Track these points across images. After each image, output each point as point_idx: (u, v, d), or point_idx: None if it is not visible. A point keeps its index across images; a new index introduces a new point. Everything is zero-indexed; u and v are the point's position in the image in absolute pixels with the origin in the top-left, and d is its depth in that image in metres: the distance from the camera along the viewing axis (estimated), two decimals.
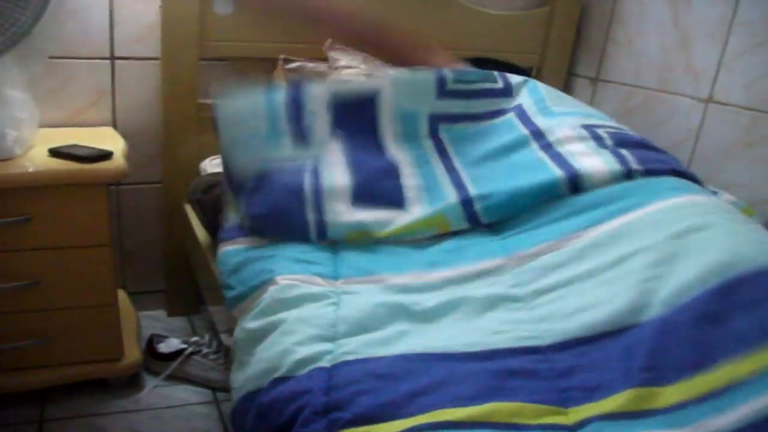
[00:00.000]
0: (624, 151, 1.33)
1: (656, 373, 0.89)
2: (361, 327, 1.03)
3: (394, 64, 1.70)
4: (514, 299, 1.09)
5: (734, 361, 0.87)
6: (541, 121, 1.43)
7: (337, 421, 0.86)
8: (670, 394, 0.87)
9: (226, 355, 1.77)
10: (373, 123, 1.45)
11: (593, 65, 2.20)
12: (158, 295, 2.16)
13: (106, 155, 1.57)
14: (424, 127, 1.46)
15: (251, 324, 1.09)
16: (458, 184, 1.34)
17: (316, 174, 1.33)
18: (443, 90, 1.48)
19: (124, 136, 1.83)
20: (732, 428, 0.80)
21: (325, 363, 0.95)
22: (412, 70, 1.52)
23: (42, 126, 1.70)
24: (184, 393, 1.78)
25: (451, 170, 1.38)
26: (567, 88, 2.27)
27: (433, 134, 1.46)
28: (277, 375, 0.96)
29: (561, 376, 0.94)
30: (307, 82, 1.46)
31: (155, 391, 1.78)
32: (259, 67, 1.98)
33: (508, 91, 1.52)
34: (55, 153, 1.56)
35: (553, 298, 1.08)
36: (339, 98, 1.44)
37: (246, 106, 1.40)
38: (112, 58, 1.89)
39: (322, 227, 1.26)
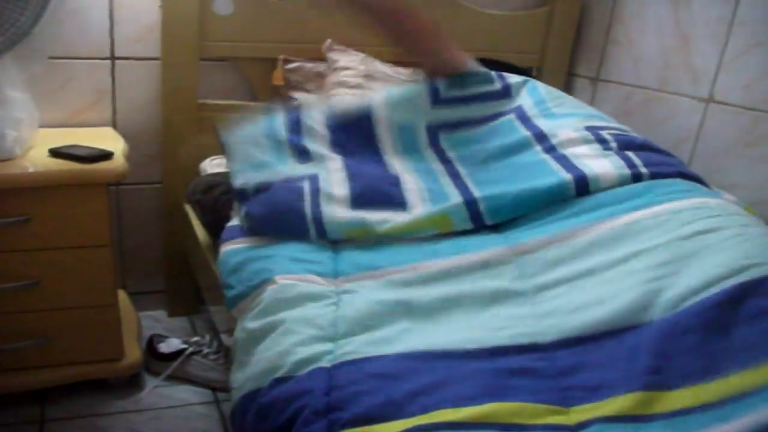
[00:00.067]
0: (630, 154, 1.33)
1: (660, 377, 0.88)
2: (362, 326, 1.03)
3: (408, 50, 1.65)
4: (517, 294, 1.09)
5: (740, 372, 0.87)
6: (542, 123, 1.43)
7: (337, 421, 0.86)
8: (674, 399, 0.86)
9: (227, 355, 1.77)
10: (371, 139, 1.45)
11: (593, 65, 2.20)
12: (158, 296, 2.16)
13: (106, 155, 1.57)
14: (423, 138, 1.46)
15: (251, 324, 1.09)
16: (462, 187, 1.33)
17: (315, 180, 1.33)
18: (437, 99, 1.48)
19: (124, 136, 1.83)
20: None
21: (325, 363, 0.95)
22: (408, 80, 1.51)
23: (42, 126, 1.70)
24: (185, 393, 1.78)
25: (455, 175, 1.38)
26: (567, 88, 2.27)
27: (434, 143, 1.45)
28: (277, 375, 0.96)
29: (562, 374, 0.93)
30: (304, 108, 1.48)
31: (156, 391, 1.78)
32: (258, 67, 1.99)
33: (506, 93, 1.51)
34: (55, 153, 1.56)
35: (557, 294, 1.07)
36: (336, 118, 1.45)
37: (251, 130, 1.44)
38: (112, 58, 1.89)
39: (320, 225, 1.25)
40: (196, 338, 1.88)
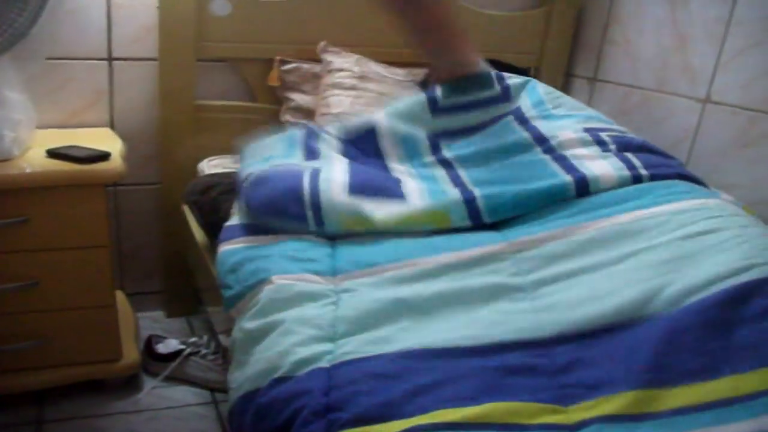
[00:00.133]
0: (629, 155, 1.33)
1: (659, 375, 0.88)
2: (361, 325, 1.02)
3: (428, 46, 1.59)
4: (515, 289, 1.09)
5: (742, 373, 0.86)
6: (541, 125, 1.43)
7: (336, 421, 0.85)
8: (673, 397, 0.86)
9: (225, 356, 1.77)
10: (377, 151, 1.47)
11: (591, 65, 2.21)
12: (156, 296, 2.16)
13: (103, 156, 1.57)
14: (425, 147, 1.47)
15: (249, 324, 1.09)
16: (461, 187, 1.33)
17: (315, 171, 1.34)
18: (436, 108, 1.50)
19: (122, 136, 1.82)
20: None
21: (325, 363, 0.95)
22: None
23: (40, 127, 1.70)
24: (183, 394, 1.78)
25: (455, 177, 1.38)
26: (565, 88, 2.27)
27: (435, 151, 1.46)
28: (276, 375, 0.96)
29: (561, 371, 0.93)
30: (319, 125, 1.55)
31: (154, 392, 1.78)
32: (256, 68, 1.99)
33: (506, 97, 1.51)
34: (52, 154, 1.56)
35: (555, 289, 1.07)
36: (348, 134, 1.49)
37: (267, 139, 1.51)
38: (110, 59, 1.89)
39: (317, 207, 1.25)
40: (194, 339, 1.88)
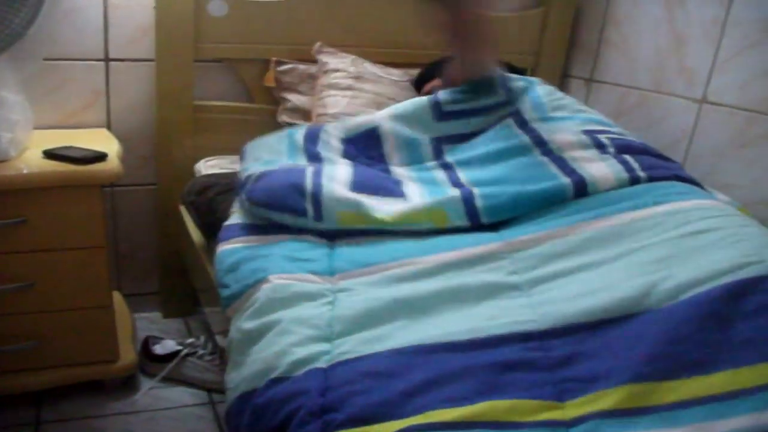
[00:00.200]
0: (628, 158, 1.34)
1: (656, 368, 0.88)
2: (358, 325, 1.02)
3: (458, 43, 1.56)
4: (513, 287, 1.09)
5: (740, 367, 0.86)
6: (540, 127, 1.43)
7: (332, 422, 0.86)
8: (672, 391, 0.86)
9: (222, 357, 1.77)
10: (379, 154, 1.48)
11: (587, 66, 2.21)
12: (153, 297, 2.15)
13: (100, 157, 1.57)
14: (428, 151, 1.48)
15: (246, 324, 1.09)
16: (460, 186, 1.34)
17: (318, 169, 1.35)
18: (440, 112, 1.50)
19: (119, 137, 1.82)
20: None
21: (322, 364, 0.95)
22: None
23: (36, 128, 1.70)
24: (180, 395, 1.78)
25: (454, 178, 1.39)
26: (562, 89, 2.25)
27: (438, 155, 1.47)
28: (273, 375, 0.96)
29: (557, 365, 0.93)
30: (322, 125, 1.55)
31: (151, 392, 1.77)
32: (253, 68, 1.99)
33: (510, 101, 1.52)
34: (49, 155, 1.56)
35: (553, 286, 1.07)
36: (348, 133, 1.50)
37: (268, 140, 1.52)
38: (107, 59, 1.89)
39: (318, 201, 1.25)
40: (191, 340, 1.88)
